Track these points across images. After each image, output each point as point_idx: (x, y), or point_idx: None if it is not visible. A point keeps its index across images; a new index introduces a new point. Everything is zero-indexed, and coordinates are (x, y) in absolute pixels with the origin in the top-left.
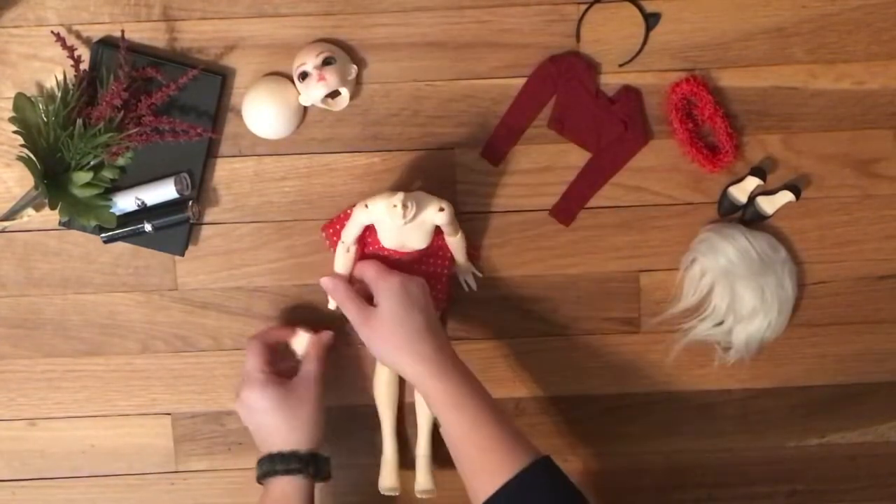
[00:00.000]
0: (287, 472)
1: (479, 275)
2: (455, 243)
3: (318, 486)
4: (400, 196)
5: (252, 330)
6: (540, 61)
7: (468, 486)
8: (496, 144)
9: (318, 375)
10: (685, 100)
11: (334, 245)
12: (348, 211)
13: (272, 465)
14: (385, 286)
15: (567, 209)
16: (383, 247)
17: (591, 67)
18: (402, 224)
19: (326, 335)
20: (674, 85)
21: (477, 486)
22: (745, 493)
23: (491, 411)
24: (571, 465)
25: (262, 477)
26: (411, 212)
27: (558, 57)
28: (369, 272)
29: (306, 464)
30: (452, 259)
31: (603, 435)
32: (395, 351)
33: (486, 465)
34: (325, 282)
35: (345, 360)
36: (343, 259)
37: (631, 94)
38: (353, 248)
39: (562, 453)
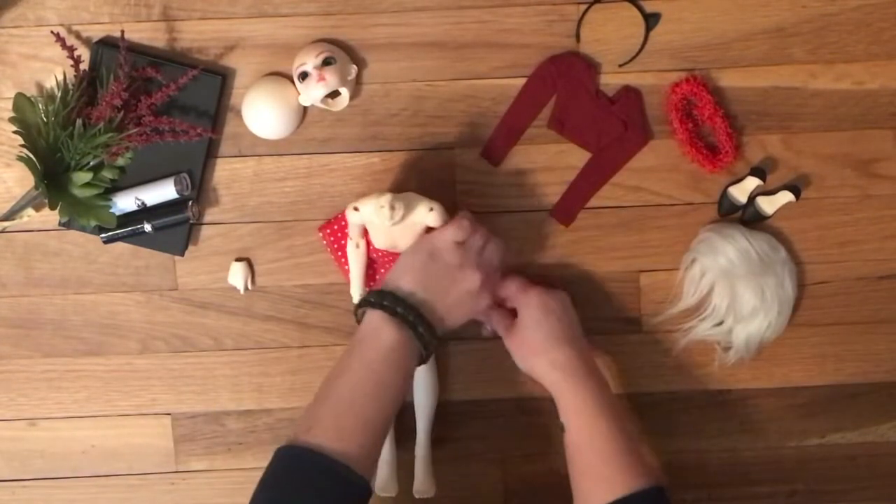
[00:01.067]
0: (393, 313)
1: None
2: None
3: None
4: (387, 197)
5: (251, 329)
6: (540, 61)
7: (578, 489)
8: (496, 144)
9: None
10: (685, 100)
11: (331, 246)
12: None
13: (388, 302)
14: (524, 299)
15: (567, 209)
16: (375, 248)
17: (591, 67)
18: (391, 225)
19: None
20: (674, 85)
21: (589, 491)
22: (745, 493)
23: (619, 425)
24: None
25: (375, 307)
26: (399, 213)
27: (558, 57)
28: (511, 288)
29: (417, 319)
30: None
31: None
32: (530, 357)
33: (604, 474)
34: None
35: None
36: (354, 255)
37: (631, 94)
38: (361, 244)
39: (563, 453)
